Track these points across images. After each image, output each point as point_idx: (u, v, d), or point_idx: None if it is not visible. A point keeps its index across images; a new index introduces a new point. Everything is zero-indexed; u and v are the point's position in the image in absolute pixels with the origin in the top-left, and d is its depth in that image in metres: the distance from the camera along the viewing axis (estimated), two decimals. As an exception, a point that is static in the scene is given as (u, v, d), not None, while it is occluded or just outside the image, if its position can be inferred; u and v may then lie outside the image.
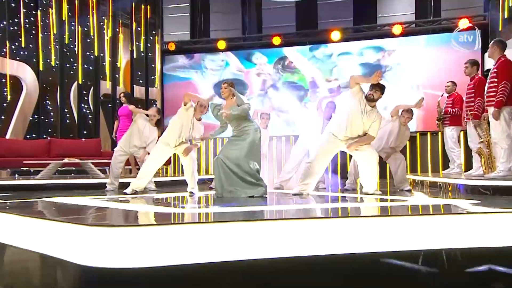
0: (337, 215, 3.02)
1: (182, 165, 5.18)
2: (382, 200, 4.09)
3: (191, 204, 4.09)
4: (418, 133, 8.64)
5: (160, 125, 5.75)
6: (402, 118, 5.43)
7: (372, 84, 4.57)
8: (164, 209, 3.54)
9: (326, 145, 4.67)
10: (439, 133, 8.29)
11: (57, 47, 9.34)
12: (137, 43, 10.55)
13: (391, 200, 4.08)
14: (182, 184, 6.22)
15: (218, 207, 3.64)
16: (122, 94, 7.28)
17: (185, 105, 4.85)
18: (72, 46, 9.64)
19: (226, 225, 2.38)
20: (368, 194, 4.61)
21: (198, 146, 5.16)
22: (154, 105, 7.39)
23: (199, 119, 5.04)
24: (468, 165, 7.08)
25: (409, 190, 5.20)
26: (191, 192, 5.06)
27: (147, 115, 5.73)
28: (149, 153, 5.43)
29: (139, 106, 7.62)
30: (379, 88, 4.54)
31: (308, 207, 3.55)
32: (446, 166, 8.10)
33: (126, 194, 5.00)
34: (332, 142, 4.65)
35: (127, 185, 5.24)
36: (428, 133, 8.64)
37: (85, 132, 9.67)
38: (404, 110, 5.48)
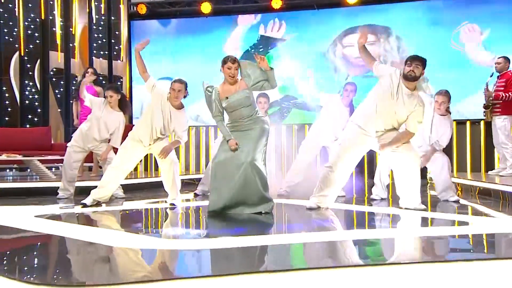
0: (389, 258, 2.56)
1: (160, 169, 4.83)
2: (433, 221, 3.75)
3: (171, 229, 3.71)
4: (455, 122, 8.27)
5: (126, 108, 5.44)
6: (436, 104, 5.03)
7: (410, 56, 4.16)
8: (132, 238, 3.13)
9: (351, 143, 4.29)
10: (482, 123, 8.03)
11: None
12: (96, 3, 10.10)
13: (447, 222, 3.72)
14: (158, 187, 5.91)
15: (208, 237, 3.29)
16: (91, 71, 6.73)
17: (146, 81, 4.53)
18: (10, 6, 9.12)
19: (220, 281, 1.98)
20: (408, 209, 4.26)
21: (181, 144, 4.75)
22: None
23: (179, 107, 4.61)
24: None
25: (457, 201, 4.91)
26: (172, 204, 4.73)
27: (105, 96, 5.36)
28: (115, 149, 5.17)
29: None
30: (420, 61, 4.13)
31: (333, 238, 3.12)
32: (489, 165, 7.96)
33: (85, 205, 4.65)
34: (359, 139, 4.28)
35: (86, 190, 4.95)
36: (468, 123, 8.31)
37: (30, 118, 9.34)
38: (436, 93, 5.07)
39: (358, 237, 3.13)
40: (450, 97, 5.14)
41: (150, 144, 4.61)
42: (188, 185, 7.14)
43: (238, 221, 3.82)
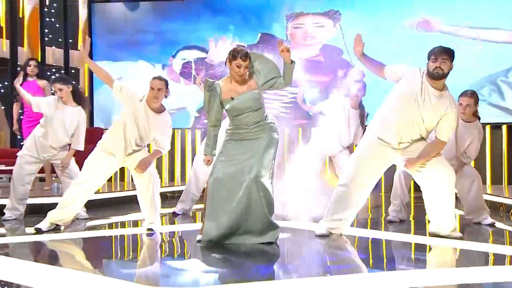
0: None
1: (136, 185, 4.60)
2: (481, 257, 3.57)
3: (148, 269, 3.42)
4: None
5: (83, 101, 5.24)
6: (459, 107, 4.84)
7: (434, 50, 3.98)
8: (97, 284, 2.80)
9: (369, 156, 4.10)
10: (504, 127, 8.06)
11: None
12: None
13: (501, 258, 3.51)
14: (126, 203, 5.85)
15: (200, 285, 3.00)
16: (33, 63, 6.55)
17: (112, 87, 4.39)
18: None
19: None
20: (440, 236, 4.08)
21: (163, 154, 4.58)
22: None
23: (160, 110, 4.41)
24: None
25: (492, 224, 4.79)
26: (150, 230, 4.52)
27: (52, 92, 5.25)
28: (77, 155, 5.09)
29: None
30: (447, 54, 3.95)
31: (358, 285, 2.83)
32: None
33: (39, 231, 4.43)
34: (379, 152, 4.09)
35: (38, 209, 4.78)
36: (488, 127, 8.25)
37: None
38: (460, 95, 4.92)
39: (389, 284, 2.83)
40: (478, 99, 4.99)
41: (124, 157, 4.41)
42: (162, 199, 6.89)
43: (239, 255, 3.58)
